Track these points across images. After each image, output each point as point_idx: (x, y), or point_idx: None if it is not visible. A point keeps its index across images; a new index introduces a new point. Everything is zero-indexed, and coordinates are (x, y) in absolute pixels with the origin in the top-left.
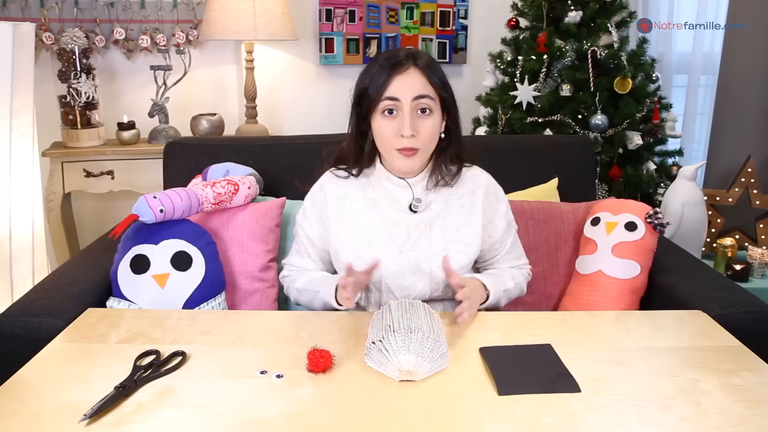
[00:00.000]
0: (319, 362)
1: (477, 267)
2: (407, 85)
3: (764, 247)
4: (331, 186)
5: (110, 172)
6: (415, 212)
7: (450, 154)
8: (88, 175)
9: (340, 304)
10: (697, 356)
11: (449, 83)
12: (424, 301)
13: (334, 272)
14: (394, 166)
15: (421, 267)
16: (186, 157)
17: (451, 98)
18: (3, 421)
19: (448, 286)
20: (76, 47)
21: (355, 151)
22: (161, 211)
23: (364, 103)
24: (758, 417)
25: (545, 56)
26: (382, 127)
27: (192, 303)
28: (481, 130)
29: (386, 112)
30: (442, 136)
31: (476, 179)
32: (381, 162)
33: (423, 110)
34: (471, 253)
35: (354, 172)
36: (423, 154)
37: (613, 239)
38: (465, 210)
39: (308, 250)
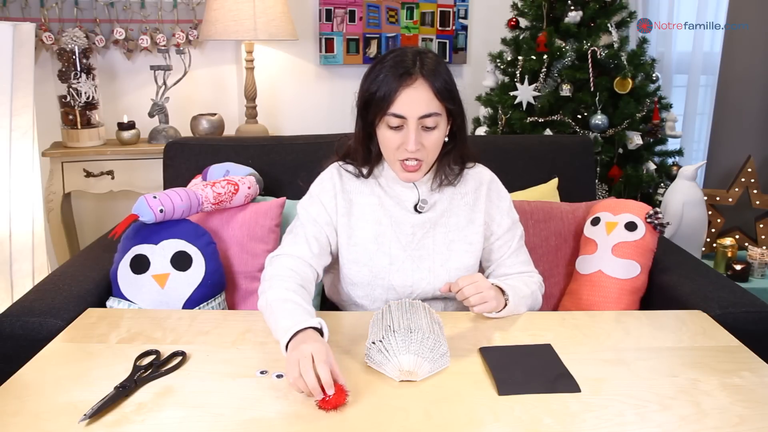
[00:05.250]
0: (330, 398)
1: (483, 271)
2: (414, 101)
3: (764, 247)
4: (341, 177)
5: (110, 172)
6: (420, 212)
7: (454, 156)
8: (88, 175)
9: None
10: (697, 356)
11: (456, 86)
12: (426, 299)
13: (326, 271)
14: (397, 176)
15: (425, 265)
16: (186, 157)
17: (457, 107)
18: (3, 421)
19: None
20: (76, 47)
21: (363, 152)
22: (161, 211)
23: (370, 111)
24: (758, 417)
25: (545, 56)
26: (386, 137)
27: (192, 303)
28: (481, 130)
29: (391, 126)
30: (446, 139)
31: (479, 176)
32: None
33: (429, 126)
34: (475, 252)
35: (364, 172)
36: (426, 165)
37: (613, 239)
38: (468, 208)
39: (309, 233)
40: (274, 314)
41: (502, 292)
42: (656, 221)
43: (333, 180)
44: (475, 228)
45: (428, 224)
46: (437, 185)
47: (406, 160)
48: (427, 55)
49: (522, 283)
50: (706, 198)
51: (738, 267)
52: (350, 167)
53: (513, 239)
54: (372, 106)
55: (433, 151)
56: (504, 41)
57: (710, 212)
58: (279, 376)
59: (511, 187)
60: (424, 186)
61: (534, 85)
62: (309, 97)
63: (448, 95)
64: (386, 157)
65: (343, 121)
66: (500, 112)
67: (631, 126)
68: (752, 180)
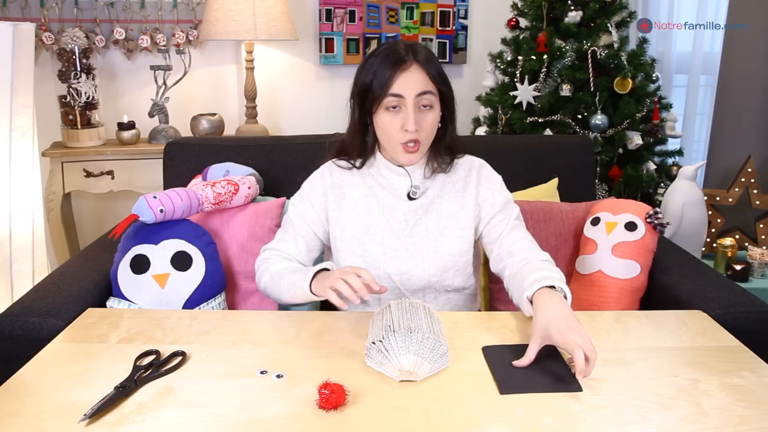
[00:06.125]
0: (330, 398)
1: (487, 258)
2: (411, 81)
3: (764, 247)
4: (332, 173)
5: (110, 172)
6: (412, 199)
7: (445, 143)
8: (88, 175)
9: (314, 293)
10: (697, 356)
11: (446, 75)
12: (422, 286)
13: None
14: (397, 160)
15: (418, 252)
16: (186, 157)
17: (449, 91)
18: (3, 421)
19: (446, 273)
20: (76, 47)
21: (359, 143)
22: (161, 211)
23: (367, 99)
24: (758, 417)
25: (545, 56)
26: (386, 122)
27: (192, 303)
28: (481, 130)
29: (390, 107)
30: (439, 125)
31: (469, 164)
32: (380, 151)
33: (425, 105)
34: (468, 237)
35: (357, 164)
36: (424, 147)
37: (613, 239)
38: (459, 195)
39: (297, 231)
40: (286, 276)
41: (552, 288)
42: (656, 221)
43: (323, 177)
44: (467, 212)
45: (420, 211)
46: (430, 172)
47: (408, 142)
48: (418, 46)
49: (549, 262)
50: (706, 198)
51: (738, 267)
52: (343, 162)
53: (509, 217)
54: (369, 93)
55: (429, 132)
56: (504, 41)
57: (710, 212)
58: (279, 376)
59: (511, 187)
60: (417, 173)
61: (534, 85)
62: (309, 97)
63: (441, 79)
64: (386, 143)
65: (343, 121)
66: (500, 112)
67: (631, 126)
68: (752, 180)
